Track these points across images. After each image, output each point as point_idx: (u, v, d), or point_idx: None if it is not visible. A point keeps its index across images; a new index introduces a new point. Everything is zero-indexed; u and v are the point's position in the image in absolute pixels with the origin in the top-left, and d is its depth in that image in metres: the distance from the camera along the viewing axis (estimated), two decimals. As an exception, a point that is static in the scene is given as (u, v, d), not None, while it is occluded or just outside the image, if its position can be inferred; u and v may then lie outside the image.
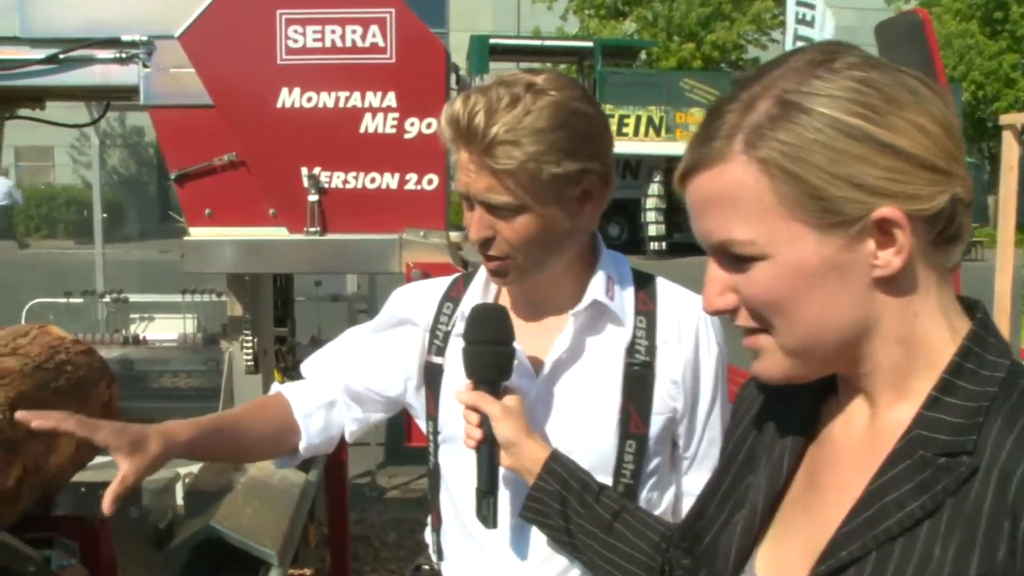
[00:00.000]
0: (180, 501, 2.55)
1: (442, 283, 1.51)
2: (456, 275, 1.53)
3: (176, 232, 2.86)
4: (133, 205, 22.53)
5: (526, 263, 1.34)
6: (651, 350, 1.37)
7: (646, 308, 1.40)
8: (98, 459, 2.31)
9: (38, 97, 2.85)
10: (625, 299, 1.40)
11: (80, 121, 3.90)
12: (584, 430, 1.36)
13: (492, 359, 1.30)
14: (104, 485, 2.23)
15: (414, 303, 1.50)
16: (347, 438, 1.53)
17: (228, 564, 2.08)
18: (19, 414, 1.25)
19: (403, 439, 2.44)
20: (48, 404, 1.80)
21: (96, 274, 6.51)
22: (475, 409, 1.28)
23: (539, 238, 1.31)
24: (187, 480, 2.54)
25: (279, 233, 2.49)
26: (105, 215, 7.23)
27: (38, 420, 1.25)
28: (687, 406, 1.40)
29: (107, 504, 1.24)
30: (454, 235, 2.54)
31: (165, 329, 4.96)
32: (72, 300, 5.36)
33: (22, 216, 21.94)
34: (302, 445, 1.48)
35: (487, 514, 1.29)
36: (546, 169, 1.26)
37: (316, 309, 4.69)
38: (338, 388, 1.51)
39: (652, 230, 18.41)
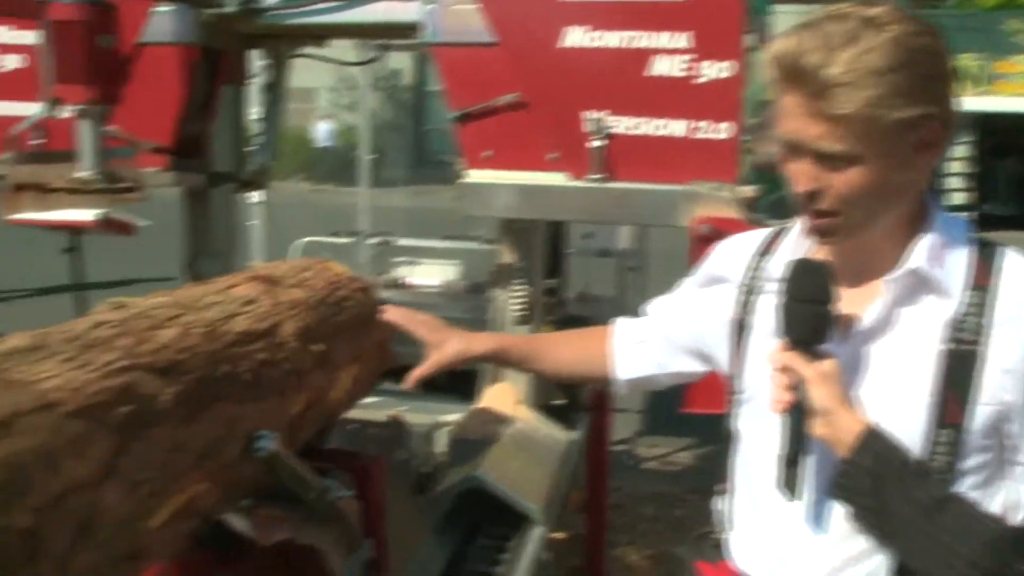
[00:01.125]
0: (443, 449, 2.66)
1: (757, 237, 1.47)
2: (772, 229, 1.47)
3: (431, 178, 2.95)
4: (390, 150, 23.78)
5: (854, 220, 1.27)
6: (982, 330, 1.26)
7: (982, 282, 1.28)
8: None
9: (322, 35, 3.03)
10: (954, 269, 1.29)
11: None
12: (890, 411, 1.28)
13: (810, 319, 1.25)
14: (373, 424, 2.37)
15: (728, 258, 1.50)
16: (659, 384, 1.71)
17: (488, 516, 2.13)
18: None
19: (666, 408, 2.39)
20: (330, 338, 1.92)
21: (360, 217, 6.95)
22: (787, 371, 1.23)
23: (871, 192, 1.24)
24: (451, 428, 2.64)
25: (559, 179, 2.48)
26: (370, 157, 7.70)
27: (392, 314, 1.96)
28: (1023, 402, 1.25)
29: (411, 380, 1.90)
30: (746, 189, 2.42)
31: (428, 275, 5.20)
32: (339, 240, 5.75)
33: (286, 159, 23.75)
34: (615, 374, 1.72)
35: (791, 484, 1.26)
36: (887, 115, 1.18)
37: (584, 264, 4.72)
38: (660, 332, 1.65)
39: (956, 198, 16.90)
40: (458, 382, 4.21)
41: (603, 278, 4.49)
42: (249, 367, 1.57)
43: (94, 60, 2.39)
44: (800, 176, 1.25)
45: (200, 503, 1.36)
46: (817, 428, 1.25)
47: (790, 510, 1.32)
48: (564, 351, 1.82)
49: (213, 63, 2.92)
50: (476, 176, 2.57)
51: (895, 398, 1.28)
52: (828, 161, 1.21)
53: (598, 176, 2.42)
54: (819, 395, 1.24)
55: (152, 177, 2.83)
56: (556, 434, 2.58)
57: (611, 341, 1.74)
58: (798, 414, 1.24)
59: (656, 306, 1.72)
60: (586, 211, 2.52)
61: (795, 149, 1.24)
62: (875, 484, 1.21)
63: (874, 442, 1.23)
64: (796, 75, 1.19)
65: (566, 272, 3.42)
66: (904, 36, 1.18)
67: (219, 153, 3.12)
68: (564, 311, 3.24)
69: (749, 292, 1.43)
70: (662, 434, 5.31)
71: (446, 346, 1.83)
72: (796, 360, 1.25)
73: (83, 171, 2.52)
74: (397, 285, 5.07)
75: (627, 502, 4.52)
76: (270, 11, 2.74)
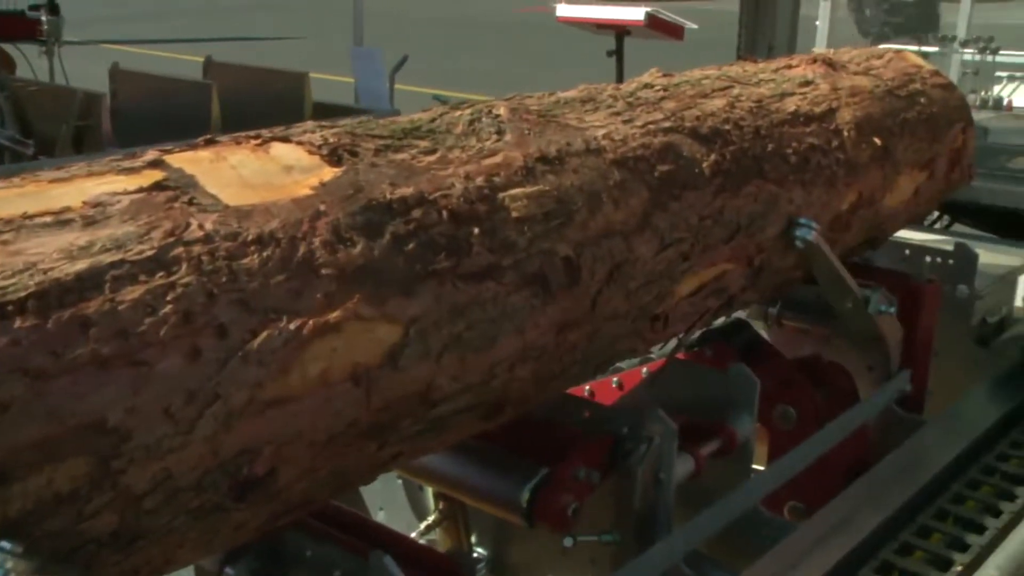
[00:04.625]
0: (1020, 301, 2.54)
1: None
2: None
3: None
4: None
5: None
6: None
7: None
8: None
9: None
10: None
11: None
12: None
13: None
14: (935, 251, 2.32)
15: None
16: None
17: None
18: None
19: None
20: (894, 134, 1.92)
21: (959, 20, 6.49)
22: None
23: None
24: (1035, 274, 2.50)
25: None
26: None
27: None
28: None
29: None
30: None
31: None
32: (924, 48, 5.47)
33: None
34: None
35: None
36: None
37: None
38: None
39: None
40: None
41: None
42: (797, 149, 1.65)
43: None
44: None
45: (728, 282, 1.51)
46: None
47: None
48: None
49: None
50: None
51: None
52: None
53: None
54: None
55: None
56: None
57: None
58: None
59: None
60: None
61: None
62: None
63: None
64: None
65: None
66: None
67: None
68: None
69: None
70: None
71: None
72: None
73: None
74: (998, 106, 4.73)
75: None
76: None
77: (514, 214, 1.13)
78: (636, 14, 5.82)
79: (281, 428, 0.89)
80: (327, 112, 4.53)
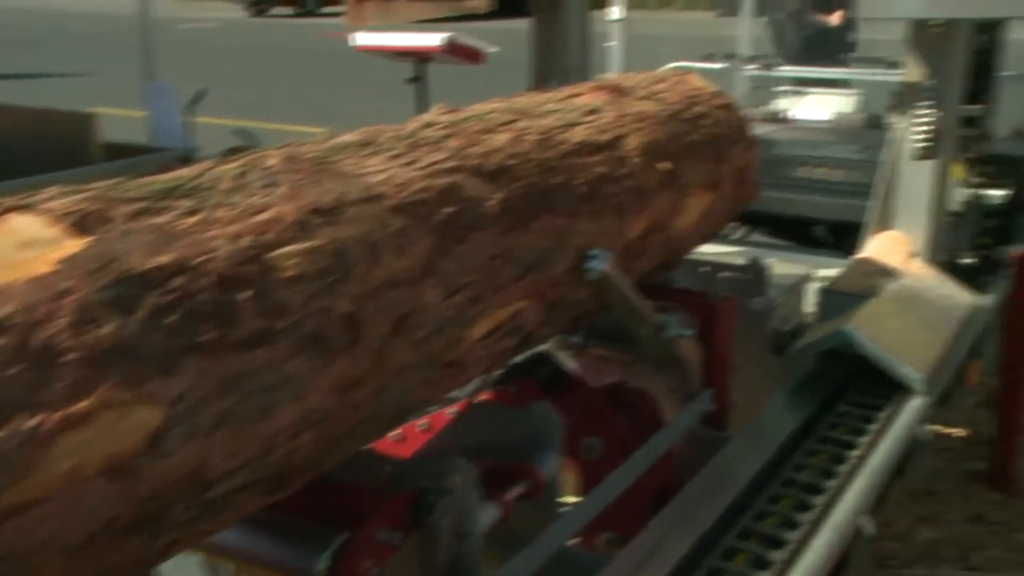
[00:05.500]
0: (812, 304, 2.63)
1: None
2: None
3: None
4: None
5: None
6: None
7: None
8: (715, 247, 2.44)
9: None
10: None
11: None
12: None
13: None
14: (728, 267, 2.39)
15: None
16: None
17: (858, 383, 2.09)
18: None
19: None
20: (680, 157, 1.95)
21: (740, 41, 6.77)
22: None
23: None
24: (825, 282, 2.59)
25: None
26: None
27: None
28: None
29: None
30: None
31: (817, 108, 5.01)
32: (712, 66, 5.67)
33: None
34: None
35: None
36: None
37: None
38: None
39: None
40: (841, 238, 4.10)
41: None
42: (585, 179, 1.64)
43: None
44: None
45: (523, 321, 1.48)
46: None
47: None
48: None
49: None
50: (877, -32, 2.41)
51: None
52: None
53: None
54: None
55: (499, -21, 2.94)
56: (957, 296, 2.44)
57: None
58: None
59: None
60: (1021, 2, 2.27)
61: None
62: None
63: None
64: None
65: (996, 99, 3.13)
66: None
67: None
68: (987, 147, 2.99)
69: None
70: None
71: None
72: None
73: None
74: (778, 119, 4.95)
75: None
76: None
77: (287, 273, 1.07)
78: (435, 40, 5.80)
79: (27, 538, 0.80)
80: (118, 152, 4.30)
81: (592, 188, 1.65)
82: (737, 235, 4.32)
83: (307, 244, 1.11)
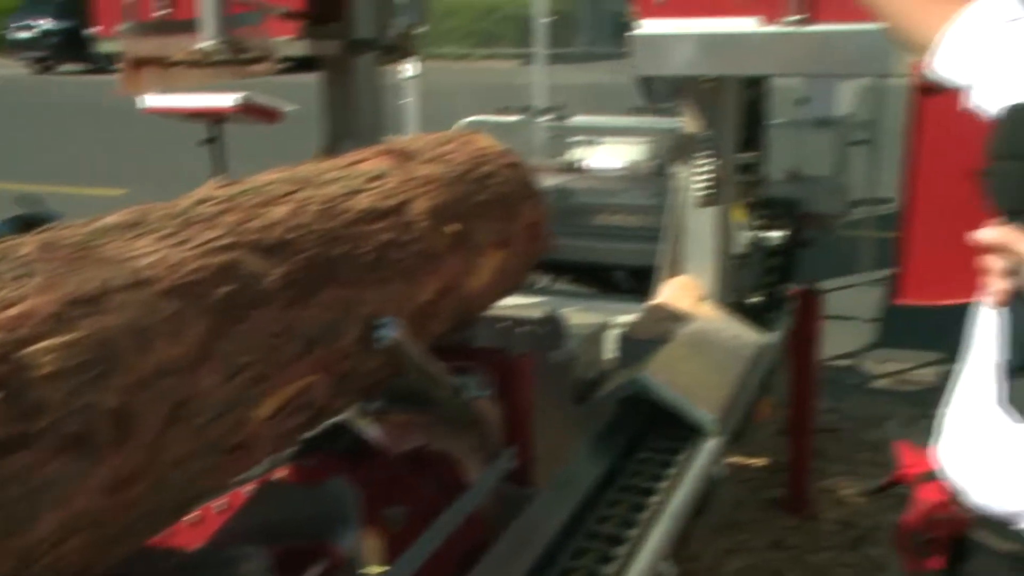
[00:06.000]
0: (610, 352, 2.70)
1: None
2: None
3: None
4: (580, 18, 23.27)
5: None
6: None
7: None
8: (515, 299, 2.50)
9: None
10: None
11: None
12: None
13: (1029, 181, 1.12)
14: (523, 322, 2.42)
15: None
16: None
17: (656, 428, 2.15)
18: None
19: (905, 316, 2.30)
20: (470, 218, 1.96)
21: (535, 93, 6.93)
22: (1004, 252, 1.11)
23: None
24: (621, 329, 2.66)
25: (749, 25, 2.39)
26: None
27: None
28: None
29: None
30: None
31: (610, 156, 5.16)
32: (508, 119, 5.78)
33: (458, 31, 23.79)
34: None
35: (1017, 400, 1.13)
36: None
37: (796, 136, 4.52)
38: None
39: None
40: (641, 281, 4.23)
41: (819, 154, 4.31)
42: (371, 247, 1.63)
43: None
44: None
45: (313, 396, 1.45)
46: None
47: (1015, 433, 1.22)
48: None
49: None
50: (650, 27, 2.52)
51: None
52: None
53: (796, 18, 2.31)
54: None
55: (283, 46, 2.91)
56: (745, 336, 2.55)
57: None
58: (1021, 309, 1.11)
59: None
60: (780, 63, 2.42)
61: None
62: None
63: None
64: None
65: (767, 145, 3.31)
66: None
67: (359, 17, 3.17)
68: (764, 191, 3.15)
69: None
70: (898, 347, 5.12)
71: None
72: (1015, 236, 1.11)
73: (205, 41, 2.60)
74: (573, 168, 5.08)
75: (844, 426, 4.42)
76: None
77: (43, 370, 1.01)
78: (229, 100, 5.69)
79: None
80: None
81: (379, 255, 1.64)
82: (541, 284, 4.39)
83: (66, 337, 1.05)
